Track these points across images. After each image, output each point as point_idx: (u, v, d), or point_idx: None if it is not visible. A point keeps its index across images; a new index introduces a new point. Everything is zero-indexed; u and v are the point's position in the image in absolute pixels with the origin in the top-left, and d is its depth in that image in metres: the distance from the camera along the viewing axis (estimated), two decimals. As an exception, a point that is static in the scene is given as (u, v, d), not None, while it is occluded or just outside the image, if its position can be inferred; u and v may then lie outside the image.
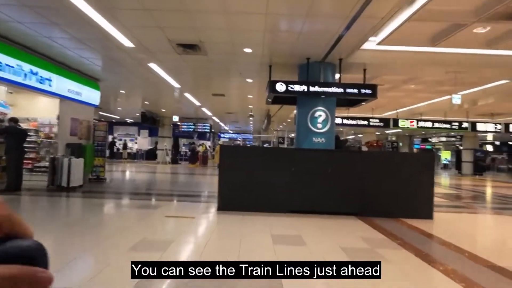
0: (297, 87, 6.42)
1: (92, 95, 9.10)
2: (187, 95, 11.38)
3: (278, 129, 25.03)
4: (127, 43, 6.03)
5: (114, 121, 23.67)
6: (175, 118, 17.25)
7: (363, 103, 7.29)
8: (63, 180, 7.28)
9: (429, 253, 3.65)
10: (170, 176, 12.53)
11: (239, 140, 33.17)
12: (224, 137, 32.66)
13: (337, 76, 6.98)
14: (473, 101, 11.04)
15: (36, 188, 7.26)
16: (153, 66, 7.56)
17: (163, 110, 16.66)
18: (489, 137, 24.12)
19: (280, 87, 6.43)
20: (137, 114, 17.10)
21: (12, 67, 6.09)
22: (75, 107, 8.42)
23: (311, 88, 6.39)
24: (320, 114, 6.67)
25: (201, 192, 8.30)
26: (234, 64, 7.32)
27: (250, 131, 31.79)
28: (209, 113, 16.90)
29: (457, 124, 13.88)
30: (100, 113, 19.51)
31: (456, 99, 7.13)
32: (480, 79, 8.24)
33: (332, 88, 6.42)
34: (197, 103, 13.24)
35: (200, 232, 4.40)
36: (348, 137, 25.94)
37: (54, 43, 6.36)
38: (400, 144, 25.29)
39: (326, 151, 5.51)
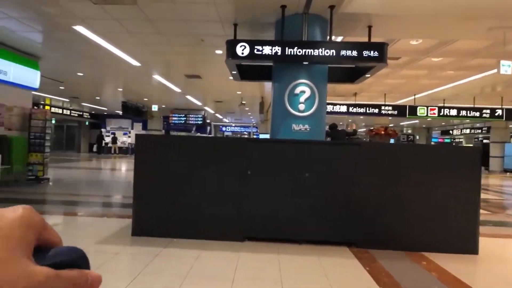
0: (267, 49, 4.35)
1: (26, 75, 7.29)
2: (157, 77, 9.46)
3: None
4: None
5: (105, 113, 22.16)
6: (155, 108, 15.41)
7: (367, 75, 5.14)
8: (-34, 183, 5.53)
9: None
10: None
11: (245, 135, 31.08)
12: (226, 131, 30.72)
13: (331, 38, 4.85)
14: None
15: None
16: (81, 29, 5.63)
17: (145, 99, 14.85)
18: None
19: (242, 50, 4.38)
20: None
21: None
22: (-3, 89, 6.63)
23: (288, 50, 4.31)
24: (303, 90, 4.59)
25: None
26: (183, 23, 5.30)
27: (253, 124, 29.70)
28: (198, 102, 14.98)
29: (488, 111, 11.46)
30: (84, 104, 17.97)
31: (506, 67, 4.87)
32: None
33: (320, 49, 4.31)
34: (176, 89, 11.32)
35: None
36: (359, 129, 23.44)
37: None
38: (417, 137, 22.61)
39: (302, 144, 3.47)
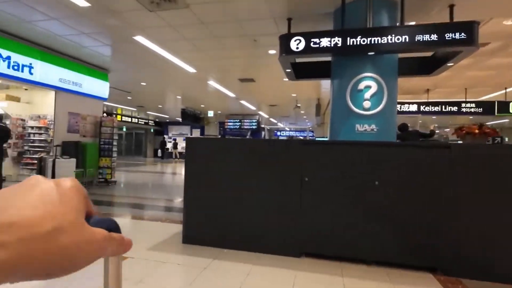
0: (325, 41, 3.88)
1: (97, 87, 7.98)
2: (212, 83, 9.59)
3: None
4: (79, 1, 4.40)
5: (167, 121, 23.74)
6: (210, 114, 15.79)
7: (448, 64, 4.29)
8: (47, 184, 6.15)
9: None
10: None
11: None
12: (281, 135, 30.45)
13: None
14: None
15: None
16: (141, 39, 5.88)
17: (202, 105, 15.36)
18: None
19: (297, 44, 3.99)
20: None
21: (-32, 49, 5.05)
22: (74, 100, 7.35)
23: (350, 40, 3.78)
24: (368, 84, 3.99)
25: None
26: (235, 24, 5.12)
27: (309, 128, 28.84)
28: (252, 107, 14.96)
29: None
30: (149, 112, 19.44)
31: None
32: None
33: (389, 36, 3.68)
34: (230, 94, 11.40)
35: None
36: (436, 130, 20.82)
37: (39, 28, 5.22)
38: (506, 139, 19.22)
39: (370, 146, 2.92)
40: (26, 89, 8.63)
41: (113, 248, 0.28)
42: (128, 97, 12.97)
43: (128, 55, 6.95)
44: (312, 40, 3.93)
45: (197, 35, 5.68)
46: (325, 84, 9.42)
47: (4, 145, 6.94)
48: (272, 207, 3.10)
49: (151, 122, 23.05)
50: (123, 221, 4.43)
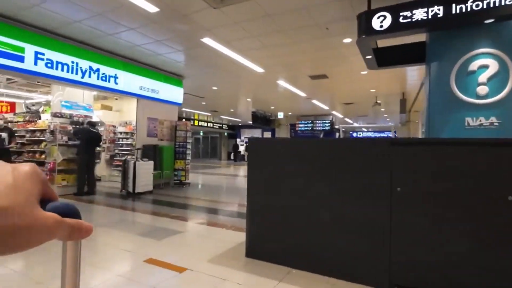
0: (419, 13, 3.04)
1: (173, 93, 8.39)
2: (281, 82, 9.19)
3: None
4: (149, 7, 4.49)
5: (239, 124, 24.41)
6: (280, 115, 15.37)
7: None
8: (129, 185, 6.62)
9: None
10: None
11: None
12: (358, 137, 28.32)
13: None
14: None
15: (109, 193, 6.93)
16: (209, 41, 5.83)
17: (272, 107, 15.11)
18: None
19: (381, 21, 3.24)
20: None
21: (66, 64, 5.73)
22: (152, 106, 7.84)
23: (457, 7, 2.87)
24: (484, 64, 2.98)
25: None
26: (303, 12, 4.58)
27: (393, 128, 25.99)
28: (324, 107, 14.05)
29: None
30: (223, 116, 20.23)
31: None
32: None
33: (517, -6, 2.65)
34: (301, 93, 10.82)
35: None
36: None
37: (120, 40, 5.77)
38: None
39: (496, 145, 2.03)
40: (116, 99, 9.68)
41: (65, 233, 0.28)
42: (203, 102, 13.58)
43: (199, 59, 7.06)
44: (401, 14, 3.13)
45: (263, 30, 5.34)
46: (411, 74, 8.07)
47: (99, 148, 7.82)
48: (352, 223, 2.47)
49: (224, 126, 24.03)
50: (187, 225, 4.33)
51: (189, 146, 8.40)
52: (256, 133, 25.19)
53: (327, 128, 17.36)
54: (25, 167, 0.28)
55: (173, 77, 8.34)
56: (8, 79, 7.92)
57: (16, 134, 7.28)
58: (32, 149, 6.78)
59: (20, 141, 7.71)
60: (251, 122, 17.41)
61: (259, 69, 7.73)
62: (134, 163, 6.57)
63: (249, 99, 12.84)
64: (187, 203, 5.98)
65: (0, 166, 0.27)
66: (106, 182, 8.75)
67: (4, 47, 4.86)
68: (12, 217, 0.23)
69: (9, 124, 7.83)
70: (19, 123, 8.36)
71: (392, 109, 14.73)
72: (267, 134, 24.11)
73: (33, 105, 9.54)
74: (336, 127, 20.36)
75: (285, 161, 2.84)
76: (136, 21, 5.11)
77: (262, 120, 16.13)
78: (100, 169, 8.88)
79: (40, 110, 8.87)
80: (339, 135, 25.08)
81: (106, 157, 9.15)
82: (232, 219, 4.73)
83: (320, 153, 2.68)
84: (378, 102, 11.43)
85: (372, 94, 10.74)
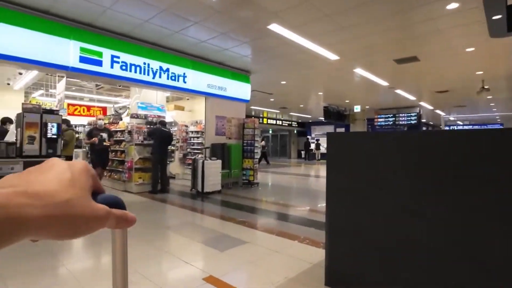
0: None
1: (240, 89, 8.10)
2: (358, 70, 8.05)
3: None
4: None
5: (310, 121, 23.37)
6: (357, 109, 13.82)
7: None
8: (199, 184, 6.54)
9: None
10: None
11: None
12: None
13: None
14: None
15: (180, 192, 6.98)
16: (276, 27, 5.24)
17: (347, 101, 13.74)
18: None
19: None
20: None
21: (139, 66, 5.86)
22: (219, 104, 7.68)
23: None
24: None
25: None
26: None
27: (495, 120, 21.46)
28: (410, 97, 12.10)
29: None
30: (292, 113, 19.54)
31: None
32: None
33: None
34: (382, 82, 9.41)
35: None
36: None
37: (187, 37, 5.71)
38: None
39: None
40: (188, 99, 9.93)
41: (113, 222, 0.31)
42: (271, 99, 13.15)
43: (266, 51, 6.56)
44: None
45: (338, 6, 4.50)
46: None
47: (171, 147, 8.03)
48: (482, 252, 1.56)
49: (294, 123, 23.30)
50: (257, 233, 3.81)
51: (257, 144, 8.01)
52: (328, 129, 23.70)
53: (413, 122, 15.07)
54: (79, 164, 0.31)
55: (240, 73, 8.05)
56: (96, 85, 8.75)
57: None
58: (115, 148, 7.28)
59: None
60: (322, 118, 16.26)
61: (333, 56, 6.83)
62: (203, 162, 6.44)
63: (320, 93, 11.87)
64: (254, 206, 5.53)
65: (58, 164, 0.30)
66: (180, 180, 9.00)
67: (85, 53, 5.14)
68: (73, 208, 0.27)
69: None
70: (105, 124, 9.19)
71: (500, 96, 11.89)
72: (341, 131, 22.46)
73: (120, 109, 10.48)
74: (423, 120, 17.60)
75: (376, 162, 2.05)
76: (199, 14, 4.85)
77: (335, 115, 14.89)
78: (175, 167, 9.20)
79: (125, 113, 9.64)
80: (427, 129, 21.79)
81: (180, 156, 9.44)
82: (305, 228, 4.06)
83: (427, 150, 1.81)
84: (485, 87, 9.20)
85: (478, 78, 8.67)
